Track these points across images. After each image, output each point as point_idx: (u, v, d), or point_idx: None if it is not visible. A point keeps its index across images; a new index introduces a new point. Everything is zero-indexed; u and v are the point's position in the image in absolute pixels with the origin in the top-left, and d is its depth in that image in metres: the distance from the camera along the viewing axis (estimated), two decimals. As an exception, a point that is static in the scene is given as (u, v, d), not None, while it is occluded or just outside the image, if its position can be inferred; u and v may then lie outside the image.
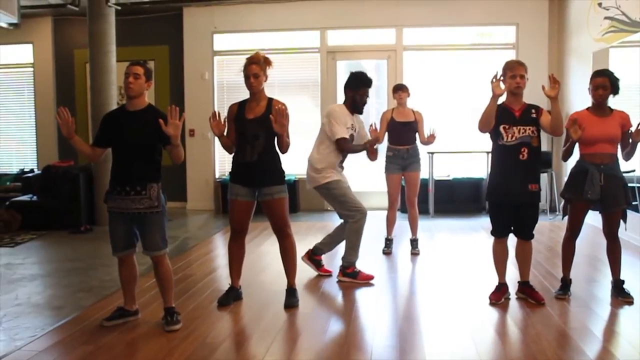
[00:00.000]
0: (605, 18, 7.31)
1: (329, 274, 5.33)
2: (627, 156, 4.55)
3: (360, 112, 5.24)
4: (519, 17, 9.15)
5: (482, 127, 4.41)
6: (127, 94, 3.98)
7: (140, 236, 4.05)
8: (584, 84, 7.88)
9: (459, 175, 9.27)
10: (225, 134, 4.43)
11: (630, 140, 4.43)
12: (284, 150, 4.41)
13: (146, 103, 4.04)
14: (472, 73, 9.38)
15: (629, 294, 4.50)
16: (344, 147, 5.08)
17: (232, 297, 4.59)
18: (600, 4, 7.46)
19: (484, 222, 8.22)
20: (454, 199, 9.18)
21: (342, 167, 5.25)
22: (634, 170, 6.24)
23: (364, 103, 5.19)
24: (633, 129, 4.43)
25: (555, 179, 8.84)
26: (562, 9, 8.98)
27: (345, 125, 5.09)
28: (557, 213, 8.59)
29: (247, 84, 4.35)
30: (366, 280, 5.10)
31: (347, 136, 5.08)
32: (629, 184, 4.64)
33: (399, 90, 6.16)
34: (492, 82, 4.26)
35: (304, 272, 5.25)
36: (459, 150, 9.06)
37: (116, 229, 4.05)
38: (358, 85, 5.15)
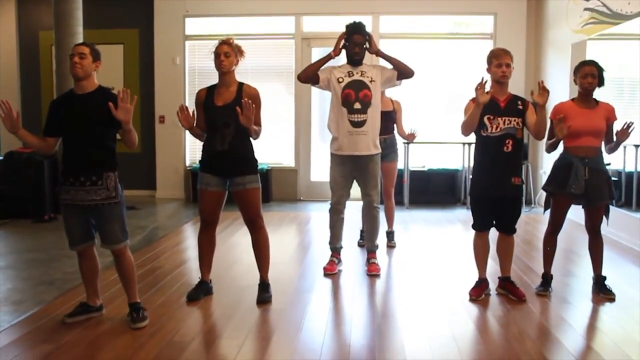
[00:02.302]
0: (585, 9, 7.23)
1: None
2: (610, 151, 4.47)
3: (356, 63, 4.91)
4: (497, 7, 9.03)
5: (465, 133, 4.30)
6: (73, 75, 3.70)
7: (98, 229, 3.81)
8: (562, 76, 7.91)
9: (435, 166, 9.16)
10: (194, 123, 4.21)
11: (615, 138, 4.34)
12: (254, 138, 4.23)
13: (96, 85, 3.78)
14: (449, 63, 9.27)
15: (611, 291, 4.41)
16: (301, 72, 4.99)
17: (202, 291, 4.39)
18: (580, -5, 7.38)
19: (460, 214, 8.15)
20: (429, 190, 9.08)
21: (355, 124, 4.85)
22: (609, 164, 6.19)
23: (355, 52, 4.88)
24: (617, 123, 4.34)
25: (532, 171, 8.78)
26: (541, -1, 8.90)
27: (333, 75, 4.89)
28: (533, 205, 8.54)
29: (217, 63, 4.14)
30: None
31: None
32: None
33: None
34: (476, 89, 4.07)
35: (277, 265, 5.05)
36: (435, 141, 8.93)
37: (72, 222, 3.80)
38: (350, 34, 4.88)
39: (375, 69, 4.97)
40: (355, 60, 4.91)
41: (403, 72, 4.96)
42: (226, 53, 4.12)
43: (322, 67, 4.94)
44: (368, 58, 5.02)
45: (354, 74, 4.89)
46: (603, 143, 4.41)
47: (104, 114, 3.61)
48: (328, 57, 4.88)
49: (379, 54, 4.93)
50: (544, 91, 4.04)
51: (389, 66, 4.98)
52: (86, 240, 3.85)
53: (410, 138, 6.13)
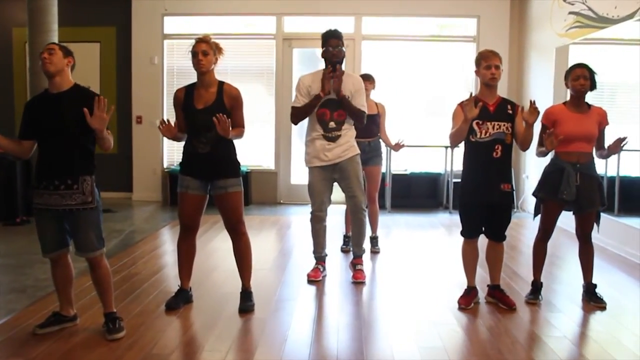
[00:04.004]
0: (570, 13, 7.18)
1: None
2: (601, 157, 4.42)
3: (333, 66, 4.69)
4: (481, 10, 8.97)
5: (453, 144, 4.27)
6: (45, 72, 3.49)
7: (72, 235, 3.60)
8: (545, 80, 7.86)
9: (417, 169, 9.06)
10: (176, 131, 4.08)
11: (607, 149, 4.29)
12: (238, 139, 4.10)
13: (72, 83, 3.58)
14: (432, 65, 9.20)
15: (602, 299, 4.33)
16: (292, 113, 4.82)
17: (181, 300, 4.21)
18: (565, -1, 7.33)
19: (443, 218, 8.06)
20: (411, 194, 8.98)
21: (329, 139, 4.74)
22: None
23: (332, 54, 4.70)
24: (607, 128, 4.26)
25: (514, 175, 8.70)
26: (524, 2, 8.85)
27: (307, 92, 4.73)
28: (516, 210, 8.46)
29: (195, 62, 3.96)
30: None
31: (297, 104, 4.77)
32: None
33: (365, 80, 5.86)
34: (464, 104, 3.95)
35: (259, 272, 4.90)
36: (417, 144, 8.82)
37: (45, 227, 3.59)
38: (327, 39, 4.74)
39: (351, 85, 4.78)
40: (333, 62, 4.75)
41: (355, 119, 4.87)
42: (204, 51, 3.94)
43: (300, 83, 4.80)
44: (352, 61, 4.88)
45: (331, 91, 4.73)
46: (594, 148, 4.34)
47: (81, 114, 3.42)
48: (317, 99, 4.68)
49: (343, 99, 4.70)
50: (535, 110, 3.95)
51: (359, 87, 4.82)
52: (60, 247, 3.64)
53: (395, 148, 6.05)
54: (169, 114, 9.07)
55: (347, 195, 4.90)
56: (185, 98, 4.05)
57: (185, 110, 4.04)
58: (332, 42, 4.72)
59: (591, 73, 4.20)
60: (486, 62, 4.08)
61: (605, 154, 4.33)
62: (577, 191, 4.17)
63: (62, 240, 3.64)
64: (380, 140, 6.04)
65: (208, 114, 3.92)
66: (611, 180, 6.79)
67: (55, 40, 7.39)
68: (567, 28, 7.27)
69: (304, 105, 4.73)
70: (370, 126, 5.78)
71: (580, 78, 4.18)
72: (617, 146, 4.22)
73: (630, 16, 5.91)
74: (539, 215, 4.41)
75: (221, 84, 4.06)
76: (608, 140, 4.33)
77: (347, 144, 4.80)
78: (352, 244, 5.17)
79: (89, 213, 3.54)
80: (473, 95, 3.99)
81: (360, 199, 4.87)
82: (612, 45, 6.95)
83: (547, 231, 4.37)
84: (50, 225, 3.58)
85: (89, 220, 3.55)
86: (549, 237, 4.40)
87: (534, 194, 4.44)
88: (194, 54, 3.96)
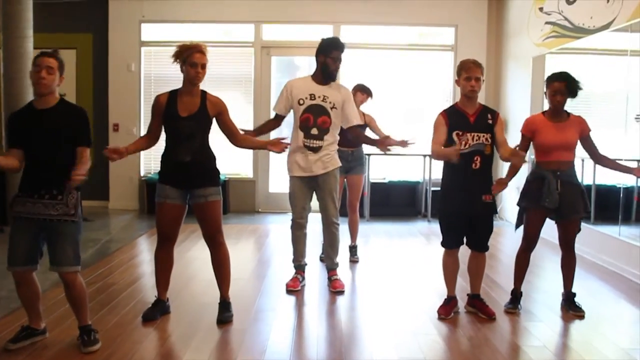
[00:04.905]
0: (547, 23, 7.24)
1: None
2: (605, 166, 4.44)
3: (333, 78, 4.76)
4: (459, 19, 9.02)
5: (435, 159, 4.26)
6: (38, 91, 3.45)
7: (49, 248, 3.49)
8: (522, 89, 7.92)
9: (395, 178, 9.06)
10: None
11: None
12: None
13: (57, 99, 3.53)
14: (411, 74, 9.22)
15: (581, 308, 4.34)
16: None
17: (158, 310, 4.14)
18: (541, 9, 7.39)
19: (421, 227, 8.06)
20: (390, 202, 8.98)
21: (310, 149, 4.70)
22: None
23: (337, 68, 4.73)
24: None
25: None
26: (501, 12, 8.91)
27: (294, 98, 4.72)
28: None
29: (192, 74, 3.90)
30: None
31: (280, 113, 4.82)
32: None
33: (364, 93, 5.90)
34: (450, 151, 3.93)
35: (238, 281, 4.83)
36: (396, 153, 8.80)
37: (20, 237, 3.47)
38: (329, 49, 4.71)
39: (339, 94, 4.78)
40: (333, 75, 4.74)
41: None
42: (203, 65, 3.92)
43: (284, 89, 4.80)
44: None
45: (316, 97, 4.71)
46: (589, 156, 4.39)
47: (68, 130, 3.43)
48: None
49: None
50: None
51: (347, 98, 4.82)
52: (27, 263, 3.50)
53: (402, 144, 5.90)
54: (146, 121, 8.96)
55: (320, 207, 4.90)
56: (167, 105, 4.00)
57: (166, 117, 3.99)
58: (334, 54, 4.69)
59: (570, 83, 4.20)
60: (467, 73, 4.06)
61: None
62: (559, 198, 4.18)
63: (33, 257, 3.51)
64: (363, 149, 6.03)
65: (192, 121, 3.92)
66: (587, 188, 6.83)
67: (31, 46, 7.29)
68: (544, 38, 7.34)
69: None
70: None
71: (557, 94, 4.20)
72: None
73: (605, 26, 5.98)
74: (522, 226, 4.41)
75: (204, 93, 4.04)
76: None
77: (328, 156, 4.77)
78: (325, 257, 5.14)
79: (69, 226, 3.46)
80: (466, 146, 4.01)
81: (331, 213, 4.85)
82: (588, 55, 7.02)
83: (530, 241, 4.37)
84: (26, 236, 3.47)
85: (68, 233, 3.46)
86: (533, 248, 4.40)
87: (517, 204, 4.43)
88: (193, 64, 3.90)
